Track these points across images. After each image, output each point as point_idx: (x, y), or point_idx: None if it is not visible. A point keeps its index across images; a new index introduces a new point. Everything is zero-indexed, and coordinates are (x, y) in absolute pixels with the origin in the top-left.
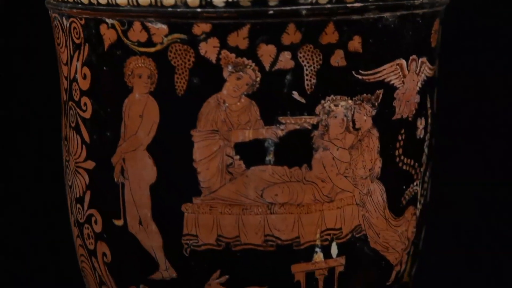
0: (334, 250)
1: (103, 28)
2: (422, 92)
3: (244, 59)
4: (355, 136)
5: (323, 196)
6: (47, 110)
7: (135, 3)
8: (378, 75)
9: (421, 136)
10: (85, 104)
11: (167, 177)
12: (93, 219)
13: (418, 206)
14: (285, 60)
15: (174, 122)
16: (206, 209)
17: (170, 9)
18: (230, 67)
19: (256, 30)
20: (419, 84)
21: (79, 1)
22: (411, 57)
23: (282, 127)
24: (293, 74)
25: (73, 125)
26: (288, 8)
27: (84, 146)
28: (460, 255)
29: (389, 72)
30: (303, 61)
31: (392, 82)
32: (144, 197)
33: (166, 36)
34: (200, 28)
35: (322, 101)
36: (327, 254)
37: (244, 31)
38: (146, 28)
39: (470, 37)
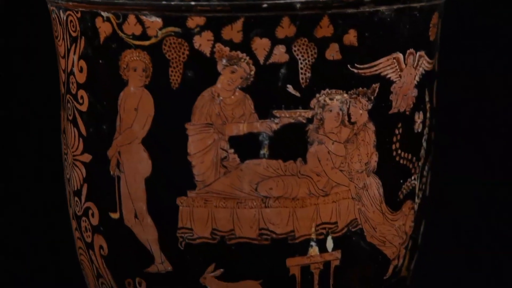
0: (329, 244)
1: (98, 21)
2: (420, 86)
3: (238, 52)
4: (351, 130)
5: (318, 190)
6: (47, 110)
7: None
8: (374, 68)
9: (419, 130)
10: (81, 97)
11: (162, 170)
12: (90, 212)
13: (416, 200)
14: (280, 54)
15: (169, 115)
16: (201, 203)
17: (164, 2)
18: (224, 61)
19: (250, 24)
20: (417, 78)
21: None
22: (408, 51)
23: (276, 120)
24: (287, 67)
25: (70, 118)
26: (282, 1)
27: (81, 139)
28: (460, 255)
29: (385, 65)
30: (297, 55)
31: (388, 76)
32: (139, 190)
33: (160, 29)
34: (194, 21)
35: (317, 95)
36: (322, 248)
37: (238, 24)
38: (140, 21)
39: (470, 36)
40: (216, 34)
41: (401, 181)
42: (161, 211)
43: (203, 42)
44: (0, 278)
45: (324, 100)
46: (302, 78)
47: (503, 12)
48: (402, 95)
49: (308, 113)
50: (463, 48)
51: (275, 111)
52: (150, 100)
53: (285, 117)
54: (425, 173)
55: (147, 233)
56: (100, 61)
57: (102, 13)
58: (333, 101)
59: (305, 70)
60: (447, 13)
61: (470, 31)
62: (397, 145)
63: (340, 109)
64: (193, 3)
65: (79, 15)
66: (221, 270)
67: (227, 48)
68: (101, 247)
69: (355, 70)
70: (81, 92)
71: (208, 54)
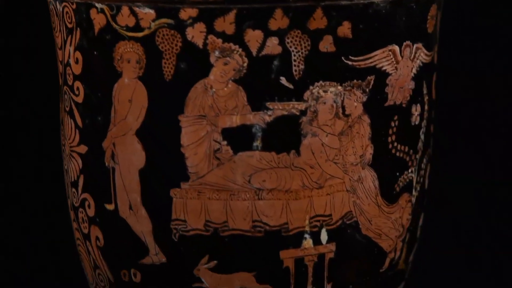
0: (323, 236)
1: (93, 13)
2: (418, 78)
3: (231, 44)
4: (345, 122)
5: (312, 182)
6: (47, 110)
7: None
8: (369, 61)
9: (417, 123)
10: (77, 88)
11: (155, 162)
12: (86, 203)
13: (414, 193)
14: (273, 46)
15: (162, 107)
16: (194, 194)
17: None
18: (217, 52)
19: (242, 15)
20: (414, 70)
21: None
22: (404, 43)
23: (269, 112)
24: (280, 59)
25: (67, 109)
26: None
27: (77, 131)
28: (460, 255)
29: (381, 58)
30: (290, 47)
31: (384, 68)
32: (133, 182)
33: (153, 21)
34: (186, 13)
35: (311, 87)
36: (316, 241)
37: (231, 16)
38: (134, 13)
39: (470, 36)
40: (209, 26)
41: (398, 173)
42: (155, 203)
43: (196, 34)
44: (0, 278)
45: (318, 92)
46: (296, 70)
47: (503, 12)
48: (398, 87)
49: (302, 105)
50: (463, 48)
51: (268, 103)
52: (144, 91)
53: (278, 109)
54: (423, 165)
55: (141, 224)
56: (95, 53)
57: (96, 5)
58: (327, 93)
59: (299, 62)
60: (447, 13)
61: (470, 31)
62: (393, 137)
63: (334, 102)
64: None
65: (74, 6)
66: (215, 262)
67: (220, 40)
68: (97, 238)
69: (350, 62)
70: (77, 84)
71: (201, 46)
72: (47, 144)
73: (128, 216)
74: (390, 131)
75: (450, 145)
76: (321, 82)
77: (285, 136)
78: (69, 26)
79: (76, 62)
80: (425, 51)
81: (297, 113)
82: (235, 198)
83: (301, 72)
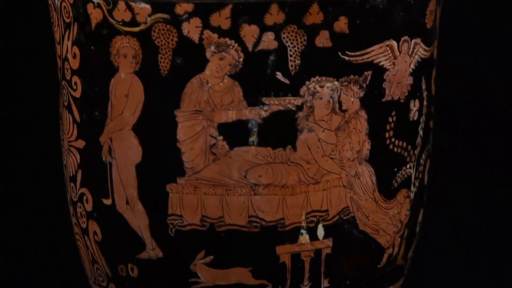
0: (320, 232)
1: (90, 7)
2: (416, 74)
3: (227, 39)
4: (342, 118)
5: (308, 178)
6: (47, 110)
7: None
8: (366, 56)
9: (415, 119)
10: (75, 83)
11: (152, 157)
12: (84, 197)
13: (413, 188)
14: (268, 41)
15: (159, 102)
16: (190, 190)
17: None
18: (212, 47)
19: (238, 10)
20: (412, 66)
21: None
22: (402, 38)
23: (265, 108)
24: (276, 54)
25: (65, 104)
26: None
27: (75, 125)
28: (460, 255)
29: (378, 53)
30: (286, 42)
31: (381, 63)
32: (130, 177)
33: (149, 15)
34: (182, 7)
35: (307, 82)
36: (313, 236)
37: (226, 11)
38: (130, 8)
39: (470, 36)
40: (205, 21)
41: (395, 169)
42: (151, 198)
43: (192, 29)
44: (0, 278)
45: (314, 88)
46: (292, 66)
47: (503, 12)
48: (396, 82)
49: (298, 101)
50: (463, 48)
51: (264, 98)
52: (140, 86)
53: (274, 104)
54: (422, 161)
55: (138, 219)
56: (92, 48)
57: None
58: (324, 88)
59: (295, 57)
60: (447, 13)
61: (470, 31)
62: (391, 133)
63: (331, 97)
64: None
65: (71, 1)
66: (211, 257)
67: (216, 35)
68: (95, 233)
69: (346, 58)
70: (75, 78)
71: (196, 41)
72: (47, 144)
73: (125, 211)
74: (388, 127)
75: (450, 145)
76: (317, 77)
77: (281, 132)
78: (67, 21)
79: (74, 57)
80: (424, 47)
81: (293, 109)
82: (231, 193)
83: (297, 67)
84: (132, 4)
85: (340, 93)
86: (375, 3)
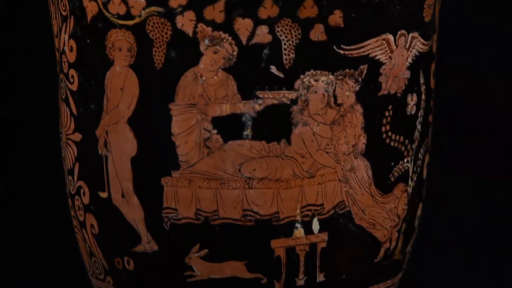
0: (315, 226)
1: (85, 1)
2: (414, 68)
3: (221, 32)
4: (337, 112)
5: (303, 172)
6: (47, 110)
7: None
8: (362, 50)
9: (413, 113)
10: (72, 76)
11: (147, 150)
12: (81, 191)
13: (410, 183)
14: (262, 34)
15: (153, 95)
16: (185, 183)
17: None
18: (206, 41)
19: (232, 4)
20: (410, 60)
21: None
22: (399, 32)
23: (260, 101)
24: (270, 48)
25: (63, 97)
26: None
27: (72, 118)
28: (460, 255)
29: (374, 47)
30: (281, 35)
31: (377, 57)
32: (125, 170)
33: (143, 9)
34: (176, 1)
35: (302, 76)
36: (308, 230)
37: (220, 4)
38: (124, 1)
39: (470, 35)
40: (198, 14)
41: (392, 163)
42: (146, 191)
43: (186, 22)
44: (0, 278)
45: (309, 81)
46: (286, 59)
47: (503, 11)
48: (392, 76)
49: (292, 94)
50: (463, 48)
51: (258, 92)
52: (135, 80)
53: (268, 98)
54: (420, 155)
55: (133, 212)
56: (88, 41)
57: None
58: (318, 82)
59: (289, 51)
60: (447, 12)
61: (470, 30)
62: (387, 127)
63: (326, 91)
64: None
65: None
66: (206, 250)
67: (210, 28)
68: (92, 225)
69: (341, 52)
70: (72, 71)
71: (190, 34)
72: (47, 144)
73: (120, 204)
74: (384, 121)
75: (450, 145)
76: (312, 71)
77: (275, 125)
78: (64, 14)
79: (71, 50)
80: (422, 40)
81: (288, 102)
82: (225, 187)
83: (291, 61)
84: None
85: (335, 87)
86: None
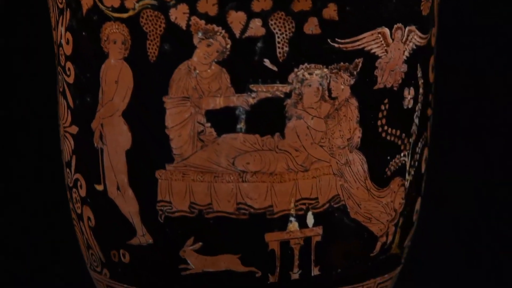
0: (310, 219)
1: None
2: (411, 61)
3: (214, 25)
4: (332, 105)
5: (297, 165)
6: (47, 110)
7: None
8: (357, 43)
9: (410, 106)
10: (69, 69)
11: (141, 143)
12: (78, 183)
13: (407, 177)
14: (256, 27)
15: (147, 88)
16: (179, 176)
17: None
18: (200, 34)
19: None
20: (407, 53)
21: None
22: (395, 26)
23: (253, 95)
24: (264, 41)
25: (61, 90)
26: None
27: (69, 111)
28: (460, 255)
29: (369, 40)
30: (274, 29)
31: (373, 50)
32: (120, 163)
33: (137, 2)
34: None
35: (295, 69)
36: (302, 224)
37: None
38: None
39: (470, 35)
40: (192, 7)
41: (388, 157)
42: (141, 184)
43: (179, 15)
44: (0, 278)
45: (303, 75)
46: (280, 53)
47: (503, 11)
48: (388, 70)
49: (286, 88)
50: (463, 46)
51: (252, 85)
52: (129, 72)
53: (262, 91)
54: (417, 149)
55: (128, 205)
56: (83, 33)
57: None
58: (312, 75)
59: (283, 44)
60: (447, 11)
61: (470, 29)
62: (383, 121)
63: (320, 84)
64: None
65: None
66: (200, 243)
67: (203, 21)
68: (89, 218)
69: (336, 45)
70: (68, 64)
71: (184, 27)
72: (47, 144)
73: (116, 197)
74: (380, 115)
75: (449, 144)
76: (306, 64)
77: (269, 119)
78: (60, 6)
79: (67, 42)
80: (420, 34)
81: (282, 96)
82: (219, 180)
83: (285, 54)
84: None
85: (329, 81)
86: None
